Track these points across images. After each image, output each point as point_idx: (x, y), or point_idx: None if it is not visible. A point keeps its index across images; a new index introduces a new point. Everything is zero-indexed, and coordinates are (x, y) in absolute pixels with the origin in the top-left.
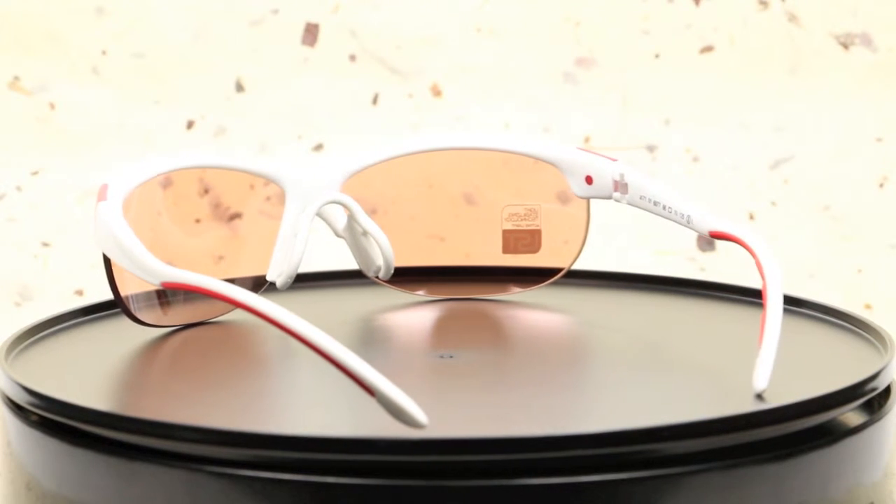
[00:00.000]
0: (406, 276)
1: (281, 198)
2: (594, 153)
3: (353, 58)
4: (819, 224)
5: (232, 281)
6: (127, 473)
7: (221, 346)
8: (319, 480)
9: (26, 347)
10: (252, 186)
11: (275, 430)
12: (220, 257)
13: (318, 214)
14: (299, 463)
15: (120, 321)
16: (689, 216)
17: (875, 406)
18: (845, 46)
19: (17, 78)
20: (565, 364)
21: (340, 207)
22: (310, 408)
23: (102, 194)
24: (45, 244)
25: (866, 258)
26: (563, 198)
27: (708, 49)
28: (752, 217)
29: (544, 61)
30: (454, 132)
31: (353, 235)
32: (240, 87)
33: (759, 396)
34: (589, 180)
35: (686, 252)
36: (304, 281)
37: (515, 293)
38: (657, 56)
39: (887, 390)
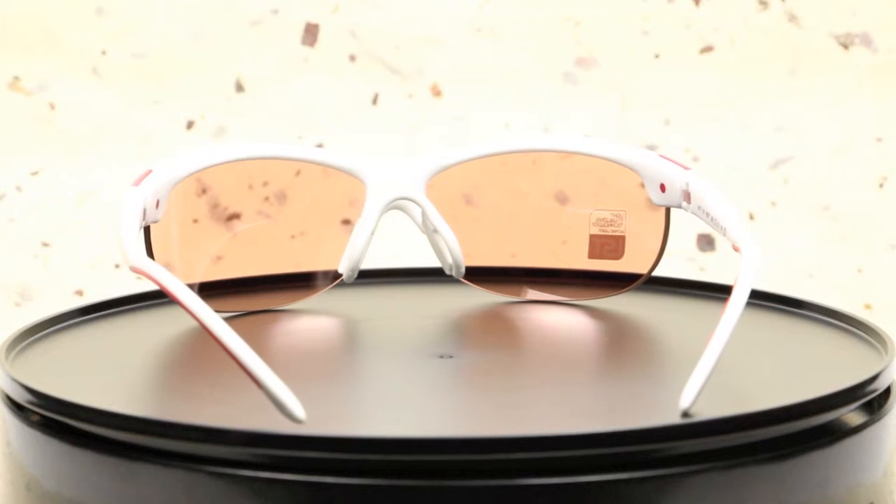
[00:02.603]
0: (488, 276)
1: (360, 194)
2: (669, 160)
3: (353, 58)
4: (819, 224)
5: (315, 274)
6: (127, 473)
7: (206, 349)
8: (319, 480)
9: (26, 347)
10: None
11: (275, 430)
12: (277, 251)
13: (402, 210)
14: (299, 463)
15: (120, 321)
16: (725, 228)
17: (875, 406)
18: (845, 46)
19: (17, 78)
20: (565, 364)
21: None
22: (309, 407)
23: (139, 180)
24: (45, 244)
25: (866, 258)
26: (643, 204)
27: (708, 49)
28: (752, 217)
29: (544, 61)
30: (540, 134)
31: (428, 233)
32: (240, 87)
33: (686, 414)
34: (663, 188)
35: (686, 252)
36: (395, 276)
37: (596, 298)
38: (657, 56)
39: (887, 391)
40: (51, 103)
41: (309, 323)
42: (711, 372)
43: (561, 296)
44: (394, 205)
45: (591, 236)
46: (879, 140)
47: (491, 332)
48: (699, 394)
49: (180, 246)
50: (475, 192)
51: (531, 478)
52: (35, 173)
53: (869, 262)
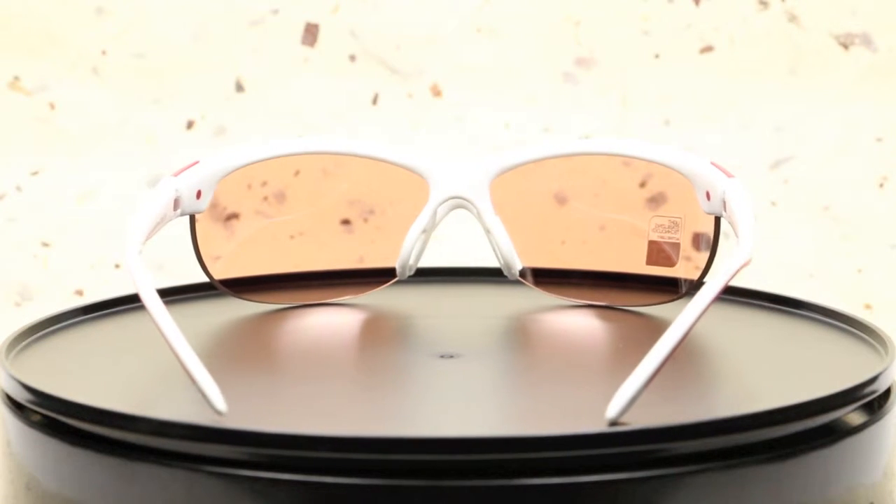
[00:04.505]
0: (545, 278)
1: (421, 191)
2: (717, 167)
3: (353, 58)
4: (819, 224)
5: (371, 271)
6: (127, 473)
7: (221, 344)
8: (319, 480)
9: (26, 346)
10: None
11: (275, 430)
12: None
13: (465, 209)
14: (299, 463)
15: (119, 320)
16: (741, 238)
17: (875, 407)
18: (845, 46)
19: (17, 78)
20: (567, 365)
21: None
22: (310, 406)
23: (180, 171)
24: (45, 244)
25: (866, 258)
26: (695, 212)
27: (708, 49)
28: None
29: (544, 61)
30: (598, 137)
31: (486, 233)
32: (240, 87)
33: (613, 423)
34: (708, 196)
35: (685, 252)
36: (459, 275)
37: (650, 305)
38: (657, 56)
39: (887, 392)
40: (51, 103)
41: (333, 319)
42: (642, 387)
43: (616, 302)
44: (451, 204)
45: (650, 242)
46: (879, 140)
47: (504, 332)
48: (629, 405)
49: (226, 237)
50: (530, 194)
51: (531, 478)
52: (35, 173)
53: (869, 262)
